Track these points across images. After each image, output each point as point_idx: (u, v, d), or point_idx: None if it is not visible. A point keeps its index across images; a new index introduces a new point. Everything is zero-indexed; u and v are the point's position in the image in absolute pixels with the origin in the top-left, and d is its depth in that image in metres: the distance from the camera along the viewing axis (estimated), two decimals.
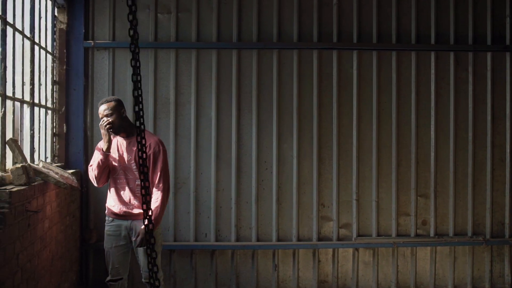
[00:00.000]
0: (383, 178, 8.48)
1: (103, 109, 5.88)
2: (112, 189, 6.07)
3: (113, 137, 6.04)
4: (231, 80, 8.24)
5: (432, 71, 8.49)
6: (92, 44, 8.00)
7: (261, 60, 8.30)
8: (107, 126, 5.84)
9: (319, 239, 8.40)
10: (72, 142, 7.90)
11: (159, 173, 5.88)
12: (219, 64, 8.23)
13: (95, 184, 6.08)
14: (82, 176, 7.85)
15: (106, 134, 5.87)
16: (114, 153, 6.01)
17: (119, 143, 6.03)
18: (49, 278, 6.15)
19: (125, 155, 5.97)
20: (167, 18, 8.19)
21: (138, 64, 4.41)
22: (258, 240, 8.32)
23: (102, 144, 5.97)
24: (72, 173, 7.06)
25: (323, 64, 8.38)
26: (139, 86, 4.36)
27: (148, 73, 8.13)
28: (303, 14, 8.37)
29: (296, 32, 8.32)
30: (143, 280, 6.07)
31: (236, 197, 8.26)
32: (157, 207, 5.82)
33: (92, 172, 5.99)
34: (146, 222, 5.43)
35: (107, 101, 5.91)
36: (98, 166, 5.96)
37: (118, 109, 5.90)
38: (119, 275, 6.07)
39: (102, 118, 5.91)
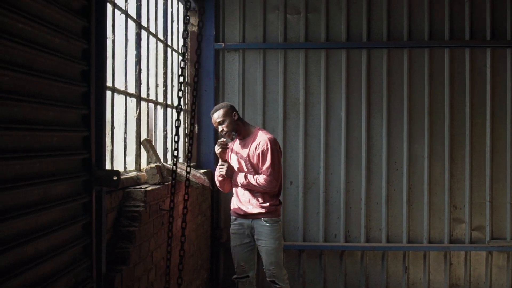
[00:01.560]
0: None
1: (215, 117, 5.94)
2: (234, 189, 6.15)
3: (233, 143, 6.12)
4: (360, 79, 8.14)
5: None
6: (223, 45, 8.14)
7: (391, 59, 8.14)
8: (223, 146, 5.93)
9: (451, 242, 8.15)
10: (203, 142, 8.07)
11: (268, 164, 5.84)
12: (349, 64, 8.15)
13: (222, 191, 6.28)
14: (213, 175, 7.98)
15: (220, 154, 5.97)
16: (232, 155, 6.10)
17: (236, 145, 6.10)
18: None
19: (241, 157, 6.02)
20: (296, 19, 8.19)
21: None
22: (388, 241, 8.17)
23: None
24: (203, 172, 7.19)
25: (455, 63, 8.12)
26: None
27: (277, 74, 8.17)
28: (433, 12, 8.13)
29: (427, 30, 8.10)
30: (267, 278, 6.10)
31: (366, 198, 8.15)
32: (255, 177, 5.87)
33: (216, 181, 6.18)
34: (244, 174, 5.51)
35: (217, 110, 5.96)
36: (220, 182, 6.15)
37: (229, 114, 5.93)
38: (245, 273, 6.11)
39: (216, 126, 5.98)
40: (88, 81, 3.49)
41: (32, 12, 2.81)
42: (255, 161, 5.92)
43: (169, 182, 5.64)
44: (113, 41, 4.94)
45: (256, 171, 5.95)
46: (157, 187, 5.21)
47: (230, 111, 5.95)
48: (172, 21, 7.19)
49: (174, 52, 7.25)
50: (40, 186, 2.89)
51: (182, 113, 7.61)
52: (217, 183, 6.17)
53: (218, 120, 5.93)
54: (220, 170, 6.01)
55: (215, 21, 8.16)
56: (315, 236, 8.22)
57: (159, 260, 5.36)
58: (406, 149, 8.12)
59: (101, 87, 3.70)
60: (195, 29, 8.03)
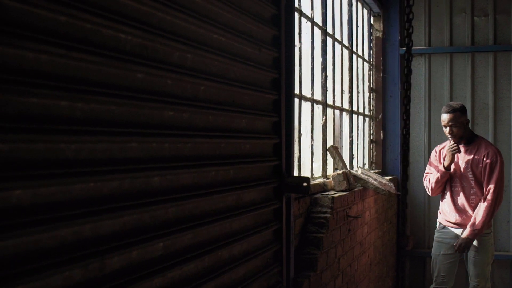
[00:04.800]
0: None
1: (447, 119, 5.65)
2: (448, 196, 5.88)
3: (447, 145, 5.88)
4: None
5: None
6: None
7: None
8: (454, 151, 5.67)
9: None
10: (389, 149, 7.94)
11: (492, 185, 5.57)
12: None
13: (429, 194, 6.05)
14: (399, 182, 7.83)
15: (450, 156, 5.71)
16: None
17: (450, 145, 5.82)
18: (367, 283, 6.23)
19: (462, 163, 5.75)
20: (484, 21, 7.85)
21: None
22: None
23: (445, 160, 5.81)
24: (389, 179, 7.08)
25: None
26: None
27: (465, 78, 7.88)
28: None
29: None
30: None
31: None
32: (480, 216, 5.55)
33: (429, 184, 5.95)
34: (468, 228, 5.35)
35: (453, 110, 5.62)
36: (437, 181, 5.83)
37: (463, 118, 5.66)
38: (444, 284, 5.89)
39: (445, 125, 5.73)
40: (278, 89, 3.55)
41: (225, 23, 2.89)
42: (478, 169, 5.66)
43: (356, 189, 5.61)
44: (300, 48, 4.99)
45: (476, 178, 5.68)
46: (344, 193, 5.18)
47: (465, 116, 5.69)
48: (357, 27, 7.16)
49: (359, 58, 7.21)
50: (234, 192, 2.97)
51: (367, 119, 7.57)
52: (431, 185, 5.90)
53: (450, 123, 5.64)
54: (452, 150, 5.68)
55: (400, 26, 8.01)
56: (505, 245, 7.82)
57: (346, 267, 5.33)
58: None
59: (290, 95, 3.74)
60: (379, 34, 7.95)
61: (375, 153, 7.88)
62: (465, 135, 5.70)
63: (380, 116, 7.89)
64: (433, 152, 6.13)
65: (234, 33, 2.97)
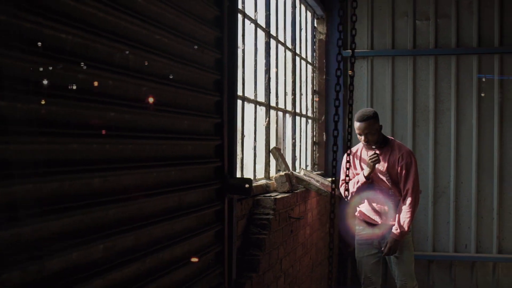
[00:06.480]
0: None
1: (362, 127, 5.62)
2: (365, 199, 5.96)
3: (361, 151, 5.94)
4: (492, 85, 7.80)
5: None
6: (351, 53, 8.03)
7: None
8: (375, 161, 5.72)
9: None
10: (331, 151, 8.01)
11: (410, 185, 5.68)
12: (480, 70, 7.84)
13: (346, 199, 6.01)
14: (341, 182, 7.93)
15: (372, 166, 5.75)
16: (362, 163, 5.91)
17: (364, 153, 5.89)
18: (309, 283, 6.28)
19: (378, 167, 5.84)
20: (425, 25, 7.99)
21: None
22: None
23: (364, 168, 5.83)
24: (332, 181, 7.14)
25: None
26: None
27: (406, 81, 8.00)
28: None
29: None
30: None
31: (498, 207, 7.82)
32: (405, 218, 5.66)
33: (348, 192, 5.87)
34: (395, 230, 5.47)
35: (367, 118, 5.58)
36: (358, 189, 5.79)
37: (376, 124, 5.74)
38: (372, 285, 5.98)
39: (359, 133, 5.76)
40: (221, 90, 3.56)
41: (168, 24, 2.89)
42: (394, 171, 5.73)
43: (298, 190, 5.65)
44: (243, 50, 5.01)
45: (393, 180, 5.75)
46: (286, 195, 5.22)
47: (377, 122, 5.69)
48: (300, 29, 7.21)
49: (302, 60, 7.27)
50: (176, 193, 2.97)
51: (310, 121, 7.64)
52: (350, 191, 5.92)
53: (365, 131, 5.64)
54: (373, 160, 5.62)
55: (343, 28, 8.09)
56: (445, 246, 7.97)
57: (288, 268, 5.37)
58: None
59: (233, 96, 3.75)
60: (323, 37, 8.03)
61: (317, 155, 7.94)
62: (378, 141, 5.78)
63: (323, 118, 7.96)
64: (344, 158, 6.09)
65: (176, 34, 2.97)
